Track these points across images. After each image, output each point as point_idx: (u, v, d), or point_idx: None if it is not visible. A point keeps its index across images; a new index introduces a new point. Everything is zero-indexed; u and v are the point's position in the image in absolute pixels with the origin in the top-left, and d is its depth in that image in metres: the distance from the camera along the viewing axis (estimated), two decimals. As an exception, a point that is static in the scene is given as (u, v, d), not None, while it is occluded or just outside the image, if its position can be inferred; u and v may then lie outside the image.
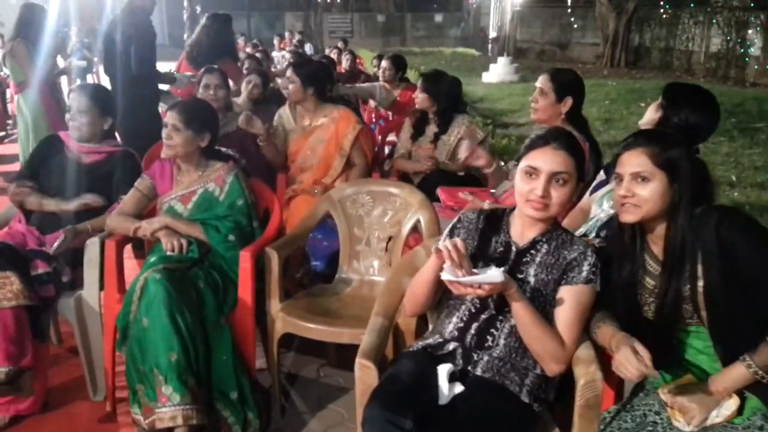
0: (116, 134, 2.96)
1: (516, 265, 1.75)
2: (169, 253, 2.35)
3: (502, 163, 3.16)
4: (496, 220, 1.85)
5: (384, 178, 3.89)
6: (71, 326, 2.56)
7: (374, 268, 2.75)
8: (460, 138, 3.61)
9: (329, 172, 3.53)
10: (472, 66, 17.31)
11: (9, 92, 8.19)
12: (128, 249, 3.03)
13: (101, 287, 2.54)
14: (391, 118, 5.38)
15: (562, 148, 1.70)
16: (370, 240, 2.76)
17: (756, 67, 14.66)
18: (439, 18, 27.23)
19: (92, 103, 2.75)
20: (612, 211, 2.15)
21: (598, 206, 2.29)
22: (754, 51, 14.98)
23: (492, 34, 21.41)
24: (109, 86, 4.06)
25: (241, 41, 12.49)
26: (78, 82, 10.64)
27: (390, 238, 2.73)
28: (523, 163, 1.73)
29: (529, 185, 1.70)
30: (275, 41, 12.50)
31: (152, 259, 2.34)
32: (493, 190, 3.08)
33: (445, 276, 1.56)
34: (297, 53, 7.90)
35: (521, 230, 1.79)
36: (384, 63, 5.45)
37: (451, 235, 1.86)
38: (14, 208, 2.80)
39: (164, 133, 2.50)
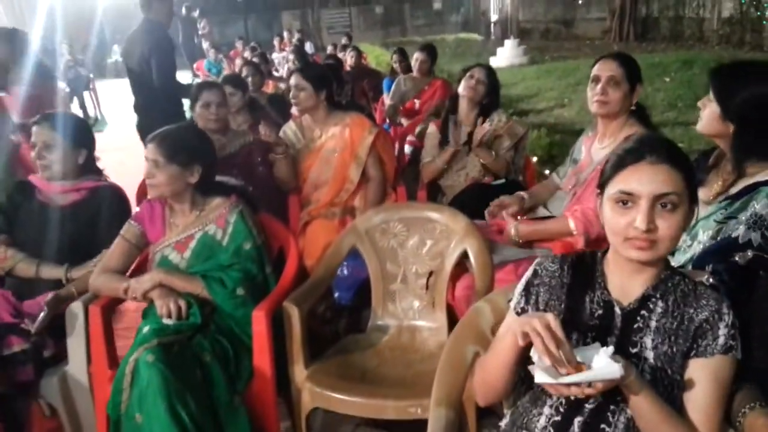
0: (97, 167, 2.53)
1: (625, 335, 1.29)
2: (165, 320, 1.91)
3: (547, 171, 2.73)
4: (586, 269, 1.37)
5: (410, 191, 3.41)
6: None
7: (414, 311, 2.29)
8: (497, 136, 3.15)
9: (345, 185, 3.09)
10: (478, 51, 16.72)
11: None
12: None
13: (90, 360, 2.11)
14: (417, 107, 5.10)
15: (662, 161, 1.23)
16: (406, 276, 2.31)
17: (775, 29, 14.00)
18: (438, 5, 26.53)
19: (60, 136, 2.33)
20: (713, 241, 1.69)
21: (689, 236, 1.80)
22: (771, 13, 14.31)
23: (493, 16, 20.82)
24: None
25: (239, 45, 12.04)
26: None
27: (431, 273, 2.27)
28: (612, 189, 1.26)
29: (626, 217, 1.23)
30: (275, 42, 12.00)
31: (145, 329, 1.89)
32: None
33: (541, 378, 1.11)
34: (299, 53, 7.45)
35: (622, 282, 1.33)
36: (419, 55, 5.18)
37: (527, 295, 1.39)
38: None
39: (145, 170, 2.06)
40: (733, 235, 1.63)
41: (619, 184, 1.25)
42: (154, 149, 2.03)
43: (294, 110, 4.62)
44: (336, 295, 2.83)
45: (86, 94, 10.72)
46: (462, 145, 3.14)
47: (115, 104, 11.83)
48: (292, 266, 2.21)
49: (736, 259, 1.61)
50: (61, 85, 8.06)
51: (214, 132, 2.90)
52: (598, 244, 2.29)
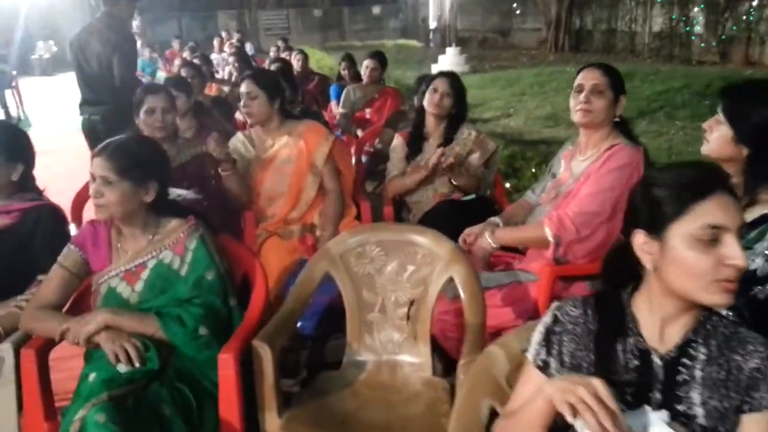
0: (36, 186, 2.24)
1: (669, 390, 1.13)
2: (119, 366, 1.63)
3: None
4: (612, 312, 1.21)
5: (373, 206, 3.20)
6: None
7: (394, 344, 2.08)
8: (469, 151, 2.99)
9: (302, 197, 2.88)
10: (419, 58, 16.70)
11: None
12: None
13: (21, 408, 1.81)
14: (368, 116, 4.93)
15: (728, 190, 1.12)
16: (385, 306, 2.10)
17: (702, 45, 14.60)
18: (377, 10, 26.50)
19: None
20: None
21: None
22: (699, 29, 14.92)
23: (432, 24, 20.92)
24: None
25: (175, 45, 11.52)
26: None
27: (412, 302, 2.08)
28: (694, 224, 1.09)
29: (711, 256, 1.08)
30: (215, 42, 11.50)
31: (90, 377, 1.60)
32: None
33: None
34: (241, 55, 7.13)
35: (659, 327, 1.17)
36: (369, 62, 4.99)
37: (548, 345, 1.21)
38: None
39: (92, 188, 1.78)
40: (750, 268, 1.52)
41: (701, 218, 1.09)
42: (103, 164, 1.74)
43: (238, 114, 4.36)
44: (299, 324, 2.60)
45: (8, 93, 9.99)
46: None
47: (40, 103, 11.13)
48: (259, 297, 1.96)
49: (755, 293, 1.51)
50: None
51: (161, 141, 2.63)
52: (565, 254, 2.16)
